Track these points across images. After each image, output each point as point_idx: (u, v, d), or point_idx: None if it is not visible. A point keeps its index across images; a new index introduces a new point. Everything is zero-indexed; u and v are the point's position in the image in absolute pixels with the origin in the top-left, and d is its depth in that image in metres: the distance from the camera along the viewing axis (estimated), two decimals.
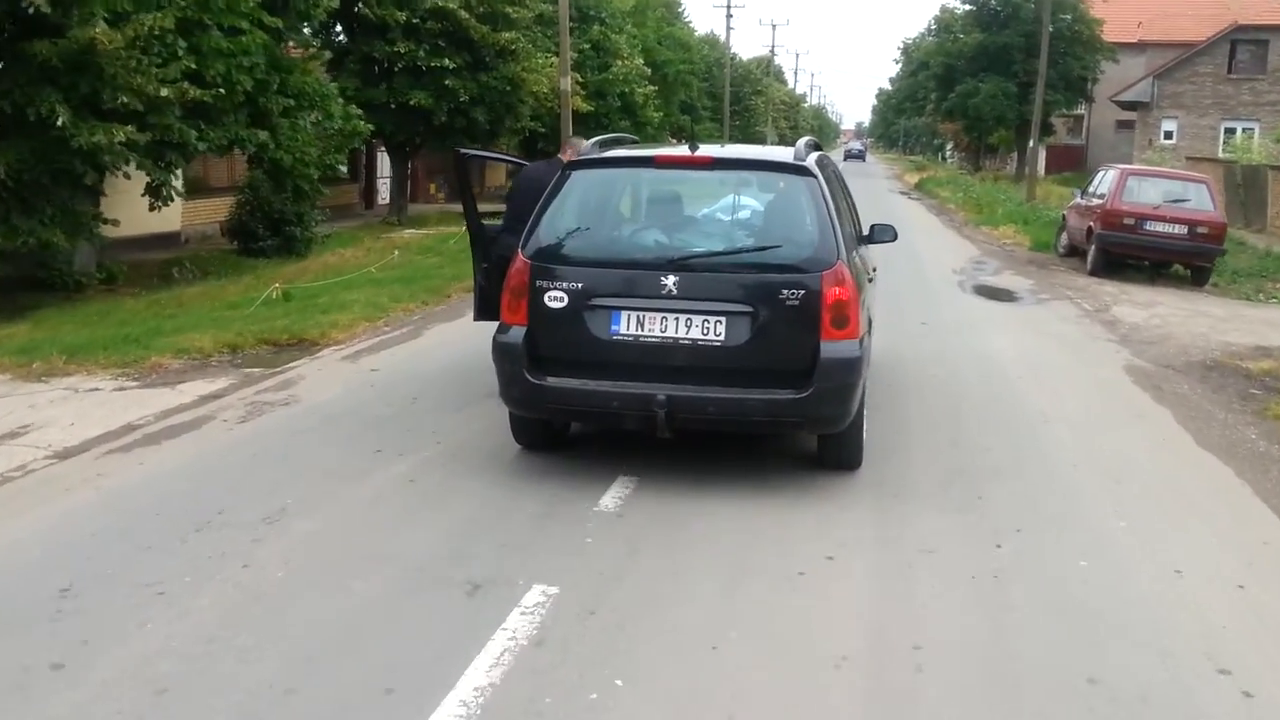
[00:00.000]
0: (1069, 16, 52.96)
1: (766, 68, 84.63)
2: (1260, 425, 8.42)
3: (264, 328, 11.22)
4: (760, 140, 74.93)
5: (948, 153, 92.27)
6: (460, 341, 10.95)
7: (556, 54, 32.15)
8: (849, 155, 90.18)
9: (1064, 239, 20.02)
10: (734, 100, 63.82)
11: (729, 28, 57.73)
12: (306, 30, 27.90)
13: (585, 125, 37.65)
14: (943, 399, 8.91)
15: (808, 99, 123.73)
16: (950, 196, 37.86)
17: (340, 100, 21.34)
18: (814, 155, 6.84)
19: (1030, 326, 12.80)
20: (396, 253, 16.86)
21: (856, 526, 5.89)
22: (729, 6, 59.35)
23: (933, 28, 69.82)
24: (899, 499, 6.33)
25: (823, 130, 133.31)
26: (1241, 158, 35.12)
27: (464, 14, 27.07)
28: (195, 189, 25.34)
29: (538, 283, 6.13)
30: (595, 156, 6.79)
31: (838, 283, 5.96)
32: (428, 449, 7.18)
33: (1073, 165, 59.40)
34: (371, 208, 34.22)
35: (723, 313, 5.95)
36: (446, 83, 27.14)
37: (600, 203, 6.82)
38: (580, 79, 34.38)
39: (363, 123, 22.44)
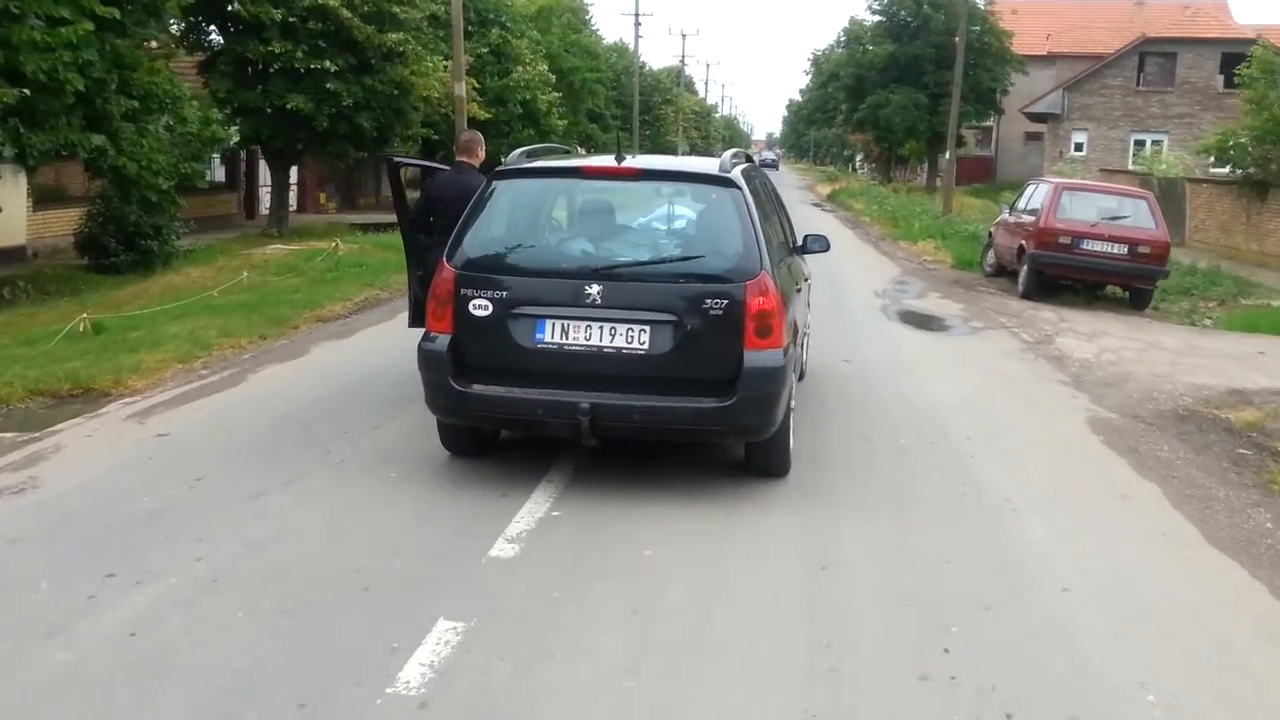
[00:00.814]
0: (979, 28, 52.09)
1: (677, 78, 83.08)
2: (1272, 506, 6.66)
3: (45, 373, 8.98)
4: (671, 150, 73.33)
5: (858, 163, 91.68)
6: (291, 389, 8.83)
7: (450, 57, 30.04)
8: (761, 165, 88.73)
9: (990, 257, 18.41)
10: (644, 109, 62.05)
11: (637, 36, 56.07)
12: (171, 27, 25.68)
13: (485, 133, 35.32)
14: (879, 476, 7.00)
15: (719, 109, 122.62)
16: (864, 209, 36.34)
17: (196, 102, 18.97)
18: (740, 167, 6.79)
19: (969, 365, 11.01)
20: (246, 273, 14.58)
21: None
22: (637, 15, 57.66)
23: (842, 39, 69.03)
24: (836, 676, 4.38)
25: (734, 140, 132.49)
26: (1155, 169, 34.13)
27: (346, 13, 24.79)
28: (48, 198, 22.80)
29: (463, 291, 6.11)
30: (522, 166, 6.74)
31: (761, 293, 5.95)
32: (176, 573, 5.08)
33: (983, 177, 58.76)
34: (253, 218, 31.70)
35: (647, 322, 5.94)
36: (328, 86, 24.84)
37: (527, 212, 6.82)
38: (477, 85, 32.22)
39: (223, 128, 20.10)
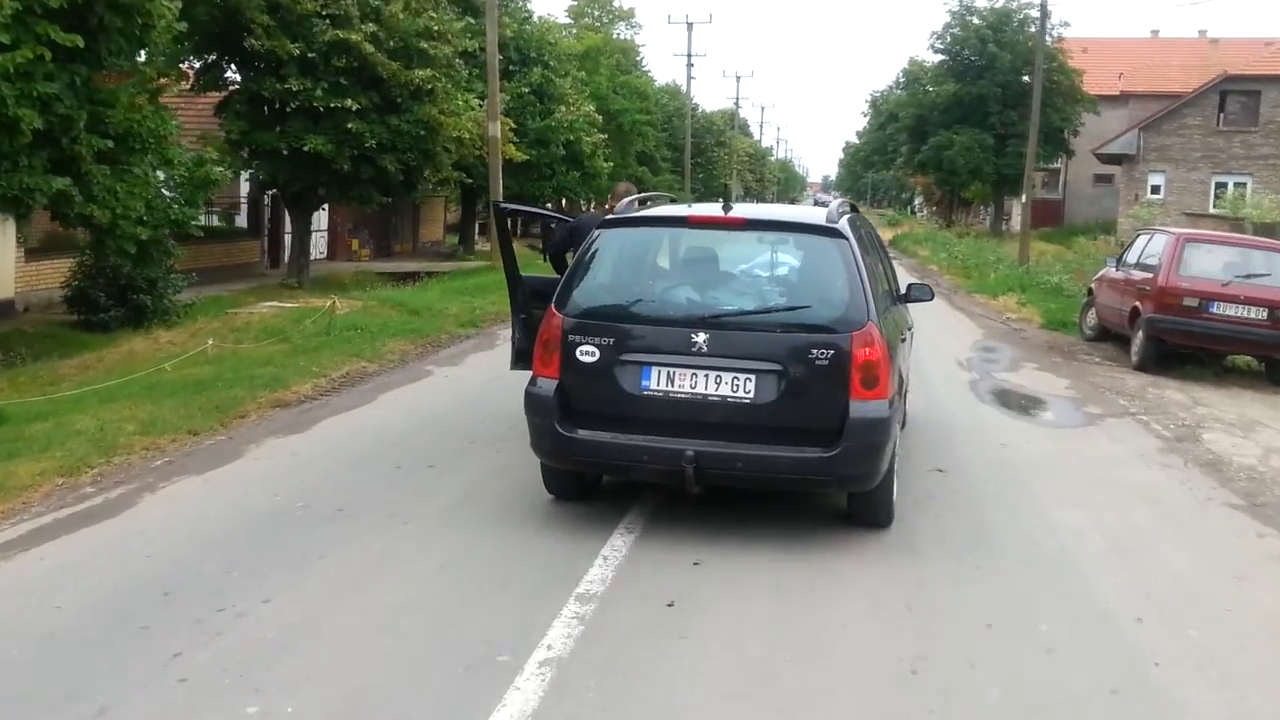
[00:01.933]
0: (1048, 66, 49.40)
1: (731, 120, 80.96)
2: None
3: None
4: (724, 192, 71.14)
5: (917, 206, 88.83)
6: (182, 528, 6.35)
7: (484, 96, 27.88)
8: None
9: (1091, 318, 15.67)
10: (696, 151, 59.77)
11: (689, 77, 53.53)
12: (187, 64, 23.73)
13: (525, 175, 33.46)
14: (1016, 694, 4.39)
15: (774, 152, 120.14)
16: (931, 256, 33.58)
17: (183, 143, 16.80)
18: (847, 216, 6.77)
19: (1101, 476, 8.31)
20: (212, 341, 12.25)
21: None
22: (689, 55, 55.42)
23: (901, 80, 66.89)
24: None
25: (789, 182, 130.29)
26: (1252, 215, 31.11)
27: (370, 48, 22.65)
28: (49, 246, 20.80)
29: (570, 337, 6.16)
30: (629, 215, 6.83)
31: (867, 343, 5.93)
32: None
33: (1050, 221, 55.64)
34: (277, 267, 29.59)
35: (752, 370, 5.94)
36: (349, 126, 22.70)
37: (633, 260, 6.82)
38: (514, 125, 30.01)
39: (225, 168, 17.94)
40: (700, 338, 5.97)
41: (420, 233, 38.30)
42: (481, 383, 11.14)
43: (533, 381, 6.36)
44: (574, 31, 48.66)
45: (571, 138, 34.32)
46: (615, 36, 51.82)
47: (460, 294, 19.10)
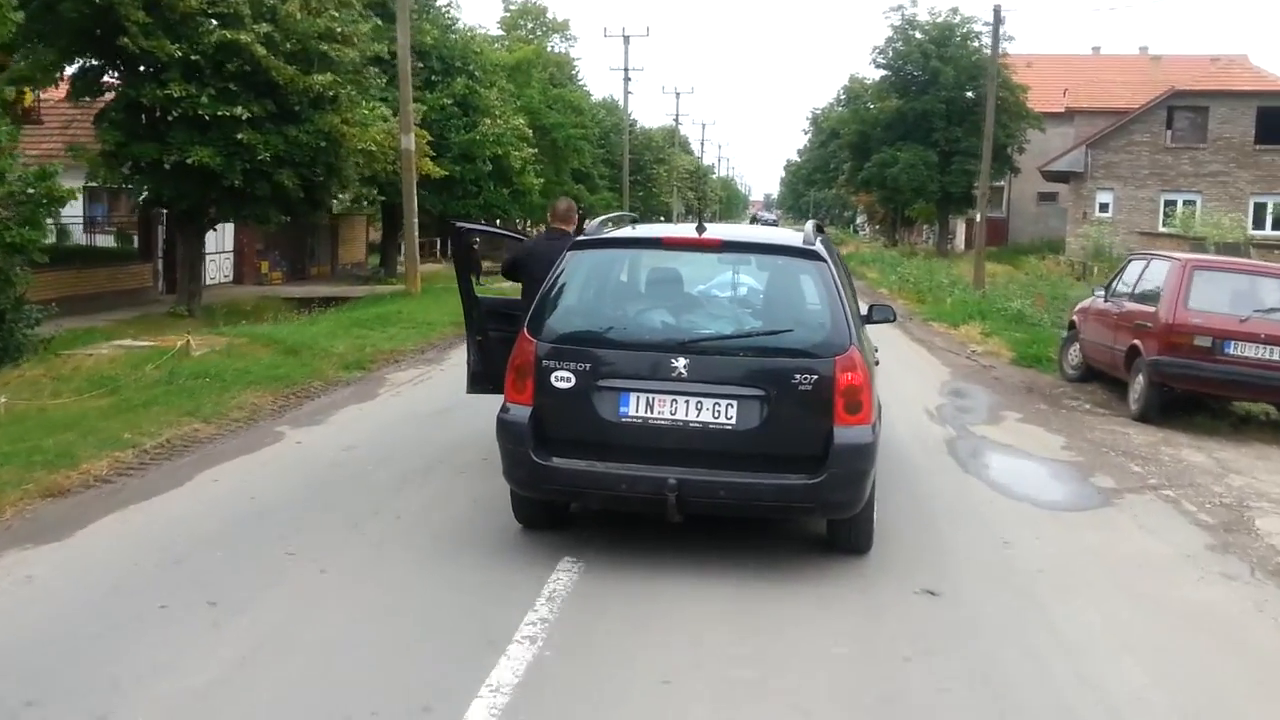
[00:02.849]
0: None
1: (671, 137, 79.00)
2: None
3: None
4: (665, 211, 68.99)
5: (859, 225, 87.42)
6: None
7: (392, 103, 25.43)
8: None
9: (1073, 355, 13.52)
10: (635, 169, 57.48)
11: (626, 91, 50.87)
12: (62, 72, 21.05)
13: (449, 193, 31.06)
14: None
15: (715, 170, 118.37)
16: (880, 279, 31.48)
17: (16, 155, 14.19)
18: (820, 238, 6.64)
19: (1143, 596, 5.99)
20: (5, 399, 9.68)
21: None
22: (626, 70, 53.00)
23: (842, 97, 65.32)
24: None
25: (731, 201, 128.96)
26: (1212, 234, 29.42)
27: (262, 50, 20.16)
28: None
29: (544, 362, 6.00)
30: (600, 236, 6.64)
31: (850, 368, 5.81)
32: None
33: (995, 240, 53.97)
34: (174, 292, 26.95)
35: (734, 396, 5.79)
36: (240, 136, 20.19)
37: (606, 283, 6.64)
38: (431, 138, 27.54)
39: (62, 184, 15.30)
40: (680, 363, 5.80)
41: (339, 254, 35.71)
42: (336, 452, 8.71)
43: (505, 408, 6.13)
44: (505, 44, 46.33)
45: (499, 152, 31.98)
46: (549, 50, 49.49)
47: (357, 326, 16.62)
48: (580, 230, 7.22)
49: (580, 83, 52.99)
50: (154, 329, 20.88)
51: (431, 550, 6.30)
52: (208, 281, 28.67)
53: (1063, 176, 45.47)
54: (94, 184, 21.04)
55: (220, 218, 22.86)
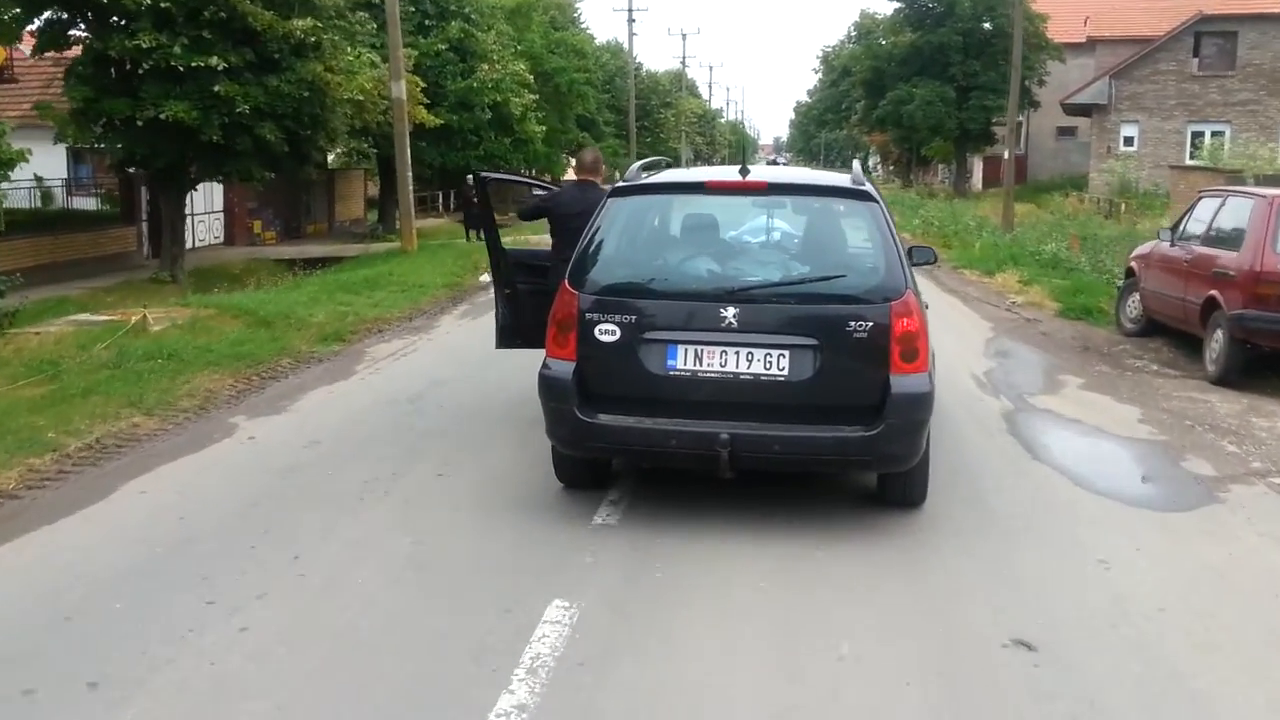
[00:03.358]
0: (1011, 13, 45.94)
1: (678, 81, 77.01)
2: None
3: None
4: (674, 156, 67.28)
5: (872, 166, 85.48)
6: None
7: (382, 50, 23.90)
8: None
9: (1132, 306, 12.09)
10: (641, 114, 55.69)
11: (631, 33, 49.47)
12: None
13: (448, 143, 29.58)
14: None
15: (724, 113, 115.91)
16: (903, 223, 29.76)
17: None
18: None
19: None
20: None
21: None
22: (630, 10, 51.21)
23: (854, 34, 63.32)
24: None
25: (740, 145, 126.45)
26: (1250, 165, 27.73)
27: None
28: None
29: (587, 315, 5.72)
30: (640, 183, 6.30)
31: (905, 313, 5.52)
32: None
33: (1015, 177, 52.35)
34: (160, 256, 25.64)
35: (786, 346, 5.54)
36: (216, 88, 18.74)
37: (650, 231, 6.41)
38: (424, 84, 25.98)
39: (18, 147, 13.96)
40: (729, 312, 5.55)
41: (336, 211, 34.25)
42: (294, 450, 7.40)
43: (546, 364, 5.89)
44: None
45: (498, 99, 30.37)
46: None
47: (342, 291, 15.28)
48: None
49: (583, 25, 51.14)
50: (134, 296, 19.60)
51: (398, 595, 4.99)
52: (196, 243, 27.37)
53: (1084, 110, 43.72)
54: (65, 143, 19.57)
55: (201, 176, 21.42)
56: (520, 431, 7.58)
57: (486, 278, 18.28)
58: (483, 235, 7.89)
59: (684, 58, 78.80)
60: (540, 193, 8.30)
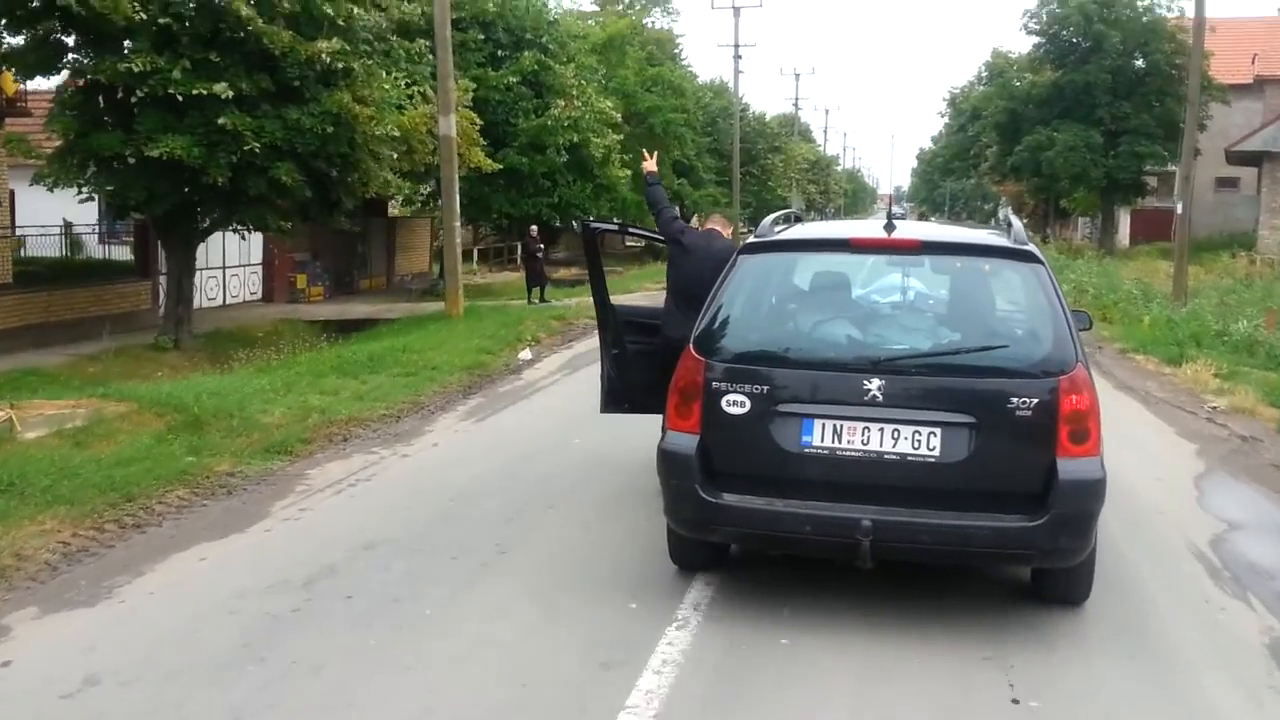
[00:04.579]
0: (1167, 49, 42.30)
1: (790, 124, 74.30)
2: None
3: None
4: (783, 205, 64.36)
5: (1000, 217, 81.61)
6: None
7: (424, 79, 21.40)
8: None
9: None
10: (746, 159, 52.72)
11: (737, 70, 45.95)
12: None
13: (518, 188, 27.20)
14: None
15: (840, 160, 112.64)
16: None
17: None
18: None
19: None
20: None
21: None
22: (736, 45, 48.30)
23: (984, 75, 60.05)
24: None
25: (857, 194, 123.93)
26: None
27: (247, 10, 16.31)
28: None
29: (713, 384, 5.44)
30: (774, 239, 6.09)
31: (1075, 390, 5.16)
32: None
33: (1167, 233, 48.12)
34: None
35: (938, 423, 5.19)
36: (221, 121, 16.36)
37: (785, 292, 6.13)
38: (479, 122, 23.35)
39: None
40: (873, 384, 5.21)
41: (396, 263, 31.91)
42: (56, 702, 4.49)
43: (667, 437, 5.58)
44: (599, 21, 42.26)
45: (575, 139, 27.72)
46: (648, 25, 45.30)
47: (333, 373, 12.54)
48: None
49: (683, 62, 48.70)
50: (123, 365, 17.30)
51: None
52: (228, 300, 25.22)
53: (1251, 158, 39.77)
54: (44, 185, 17.34)
55: (214, 225, 19.03)
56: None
57: (528, 353, 15.67)
58: (593, 292, 7.73)
59: (796, 99, 76.16)
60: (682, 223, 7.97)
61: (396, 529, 6.93)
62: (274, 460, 8.78)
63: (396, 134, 18.79)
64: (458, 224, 20.16)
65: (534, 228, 25.47)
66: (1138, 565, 6.36)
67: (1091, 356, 14.64)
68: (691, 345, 5.59)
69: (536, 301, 23.35)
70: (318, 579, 5.99)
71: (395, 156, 19.16)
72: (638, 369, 7.29)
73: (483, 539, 6.65)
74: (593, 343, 17.04)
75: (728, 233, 7.81)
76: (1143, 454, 9.30)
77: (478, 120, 22.56)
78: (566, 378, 13.57)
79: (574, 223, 45.28)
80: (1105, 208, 46.17)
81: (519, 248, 33.69)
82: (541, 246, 25.73)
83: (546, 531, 6.91)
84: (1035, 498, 5.07)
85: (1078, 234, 57.29)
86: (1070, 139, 41.90)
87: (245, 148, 16.47)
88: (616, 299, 7.83)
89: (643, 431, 7.52)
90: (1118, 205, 46.87)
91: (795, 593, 5.71)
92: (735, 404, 5.35)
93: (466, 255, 38.35)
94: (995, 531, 5.10)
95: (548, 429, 10.23)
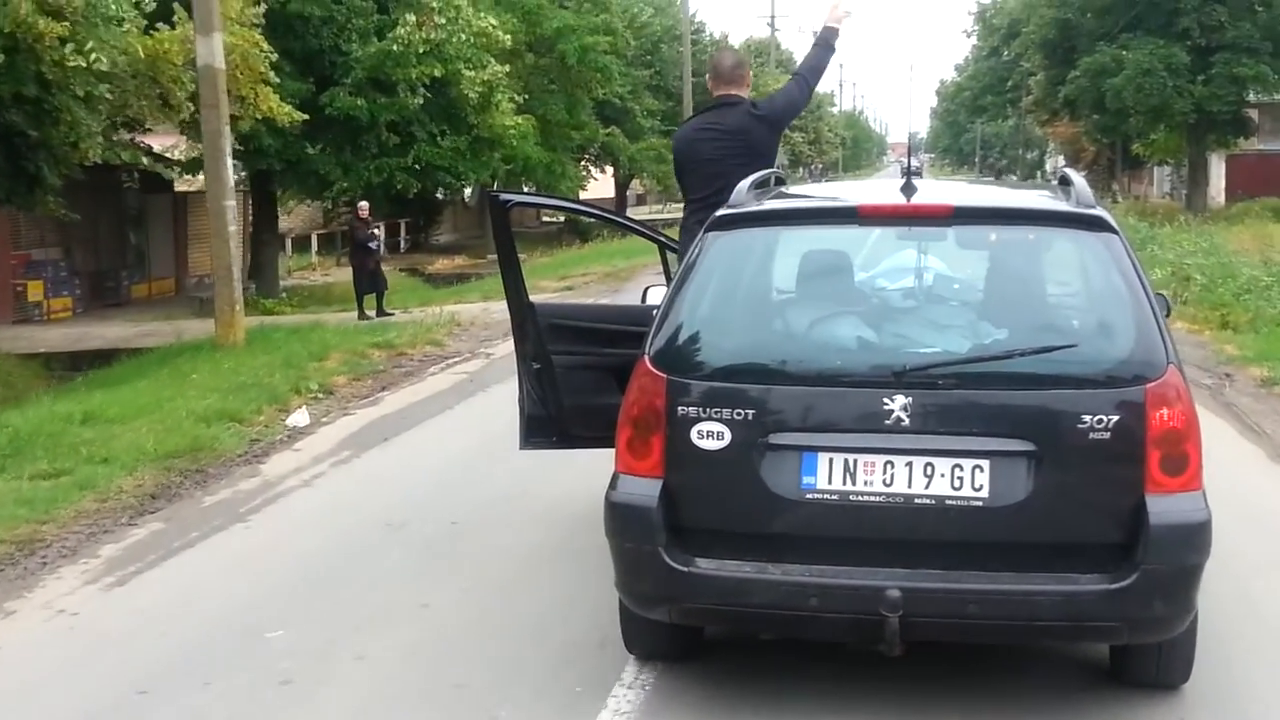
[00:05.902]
0: None
1: (766, 52, 73.13)
2: None
3: None
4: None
5: (1050, 170, 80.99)
6: None
7: None
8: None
9: None
10: (703, 99, 50.85)
11: None
12: None
13: (353, 145, 24.99)
14: None
15: (835, 99, 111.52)
16: None
17: None
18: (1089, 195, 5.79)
19: None
20: None
21: None
22: None
23: None
24: None
25: (859, 143, 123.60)
26: None
27: None
28: None
29: (680, 410, 5.26)
30: (752, 210, 5.87)
31: (1167, 401, 4.98)
32: None
33: (1270, 185, 46.84)
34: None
35: (985, 453, 5.05)
36: None
37: (766, 280, 5.98)
38: (265, 47, 20.51)
39: None
40: (896, 403, 5.05)
41: (188, 260, 30.16)
42: None
43: (619, 483, 5.37)
44: None
45: (438, 73, 25.23)
46: None
47: None
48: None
49: None
50: None
51: None
52: None
53: None
54: None
55: None
56: None
57: (302, 416, 12.62)
58: (505, 288, 7.58)
59: (772, 19, 74.26)
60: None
61: None
62: None
63: (105, 67, 15.81)
64: (231, 202, 17.29)
65: (363, 205, 23.50)
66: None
67: (1218, 390, 11.93)
68: (647, 358, 5.44)
69: (372, 315, 21.36)
70: None
71: (110, 98, 16.36)
72: (574, 384, 7.21)
73: None
74: (430, 390, 14.17)
75: (747, 92, 7.69)
76: None
77: (266, 47, 19.66)
78: (350, 462, 10.43)
79: (464, 193, 42.86)
80: (1194, 153, 45.83)
81: (342, 236, 32.08)
82: (376, 233, 23.75)
83: None
84: (1118, 550, 4.98)
85: (1155, 189, 57.65)
86: (1144, 59, 41.62)
87: None
88: (536, 297, 7.80)
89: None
90: (1210, 149, 46.41)
91: (772, 671, 5.70)
92: (710, 436, 5.23)
93: (302, 244, 36.15)
94: (1066, 598, 4.99)
95: (248, 602, 6.97)
